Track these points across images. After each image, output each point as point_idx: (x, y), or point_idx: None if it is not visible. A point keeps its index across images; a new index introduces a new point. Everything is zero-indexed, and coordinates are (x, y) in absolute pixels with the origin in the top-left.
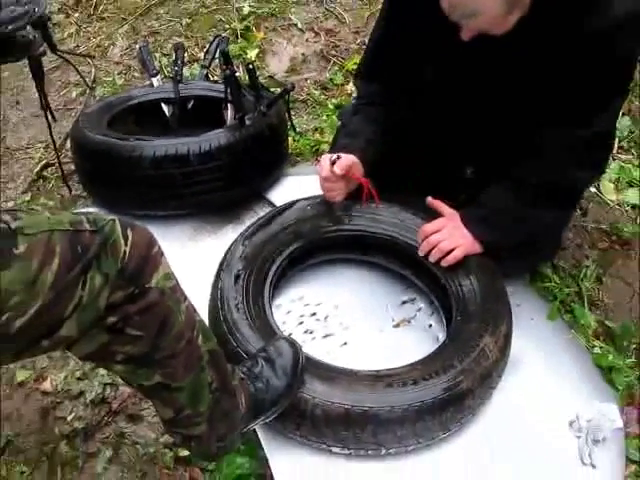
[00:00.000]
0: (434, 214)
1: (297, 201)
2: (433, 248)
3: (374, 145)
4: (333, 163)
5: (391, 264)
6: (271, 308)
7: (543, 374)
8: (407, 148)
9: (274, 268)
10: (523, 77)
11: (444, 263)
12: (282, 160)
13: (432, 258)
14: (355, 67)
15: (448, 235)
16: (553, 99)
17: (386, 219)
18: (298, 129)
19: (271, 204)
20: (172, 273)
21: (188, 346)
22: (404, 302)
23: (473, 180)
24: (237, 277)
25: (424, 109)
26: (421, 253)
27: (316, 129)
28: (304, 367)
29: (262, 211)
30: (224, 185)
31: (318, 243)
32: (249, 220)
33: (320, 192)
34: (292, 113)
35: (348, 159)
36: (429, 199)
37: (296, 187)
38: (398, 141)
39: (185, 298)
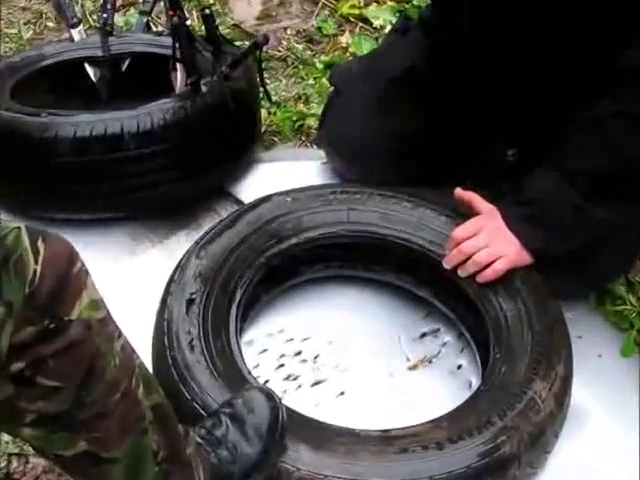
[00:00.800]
0: (465, 214)
1: (273, 196)
2: (466, 259)
3: None
4: None
5: (405, 281)
6: (239, 345)
7: (615, 431)
8: (432, 121)
9: (243, 288)
10: (580, 26)
11: (480, 279)
12: (252, 141)
13: (463, 272)
14: (351, 11)
15: (487, 241)
16: (617, 56)
17: (399, 218)
18: (274, 97)
19: (238, 202)
20: (101, 300)
21: (124, 400)
22: (423, 335)
23: (515, 165)
24: (191, 302)
25: (455, 68)
26: (448, 265)
27: (299, 97)
28: (285, 427)
29: (225, 212)
30: (173, 177)
31: (303, 252)
32: (208, 224)
33: (308, 182)
34: (266, 76)
35: None
36: (458, 191)
37: (272, 178)
38: (419, 110)
39: (120, 334)
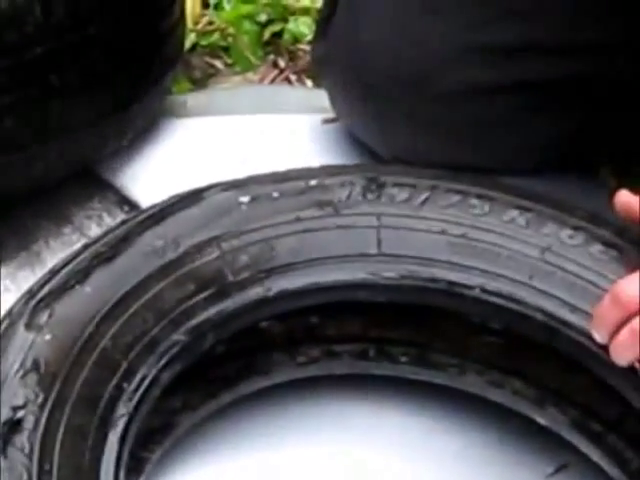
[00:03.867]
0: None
1: (207, 191)
2: None
3: None
4: None
5: (508, 392)
6: None
7: None
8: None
9: (133, 401)
10: None
11: None
12: (164, 67)
13: None
14: None
15: None
16: None
17: (498, 247)
18: None
19: (126, 203)
20: None
21: None
22: None
23: None
24: (12, 430)
25: None
26: (619, 359)
27: None
28: None
29: (98, 226)
30: None
31: (276, 322)
32: (57, 254)
33: (293, 160)
34: None
35: None
36: (624, 196)
37: (207, 153)
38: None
39: None
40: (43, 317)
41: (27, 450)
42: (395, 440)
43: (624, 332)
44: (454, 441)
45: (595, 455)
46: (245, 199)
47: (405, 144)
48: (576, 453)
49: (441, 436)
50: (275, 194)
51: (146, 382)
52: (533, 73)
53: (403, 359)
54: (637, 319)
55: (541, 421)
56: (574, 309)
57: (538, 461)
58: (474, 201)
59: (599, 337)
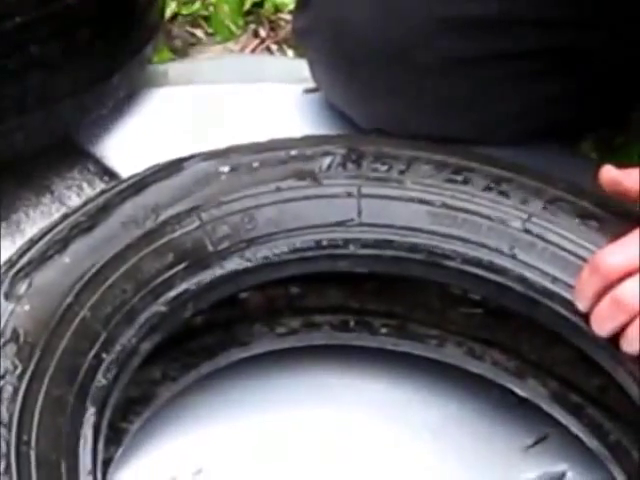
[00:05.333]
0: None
1: (188, 161)
2: (632, 320)
3: None
4: None
5: (487, 364)
6: None
7: None
8: None
9: (112, 371)
10: None
11: None
12: (142, 36)
13: (628, 344)
14: None
15: None
16: None
17: (478, 218)
18: None
19: (106, 173)
20: None
21: None
22: None
23: None
24: None
25: None
26: (598, 329)
27: None
28: None
29: (77, 196)
30: None
31: (255, 292)
32: (36, 224)
33: (271, 131)
34: None
35: None
36: (608, 170)
37: (186, 123)
38: None
39: None
40: (22, 287)
41: (5, 421)
42: (374, 411)
43: (604, 302)
44: (433, 412)
45: (575, 427)
46: (225, 169)
47: (385, 116)
48: (556, 425)
49: (420, 407)
50: (255, 164)
51: (125, 353)
52: (510, 45)
53: (383, 330)
54: (617, 288)
55: (521, 393)
56: (555, 280)
57: (517, 432)
58: (454, 172)
59: (581, 307)
